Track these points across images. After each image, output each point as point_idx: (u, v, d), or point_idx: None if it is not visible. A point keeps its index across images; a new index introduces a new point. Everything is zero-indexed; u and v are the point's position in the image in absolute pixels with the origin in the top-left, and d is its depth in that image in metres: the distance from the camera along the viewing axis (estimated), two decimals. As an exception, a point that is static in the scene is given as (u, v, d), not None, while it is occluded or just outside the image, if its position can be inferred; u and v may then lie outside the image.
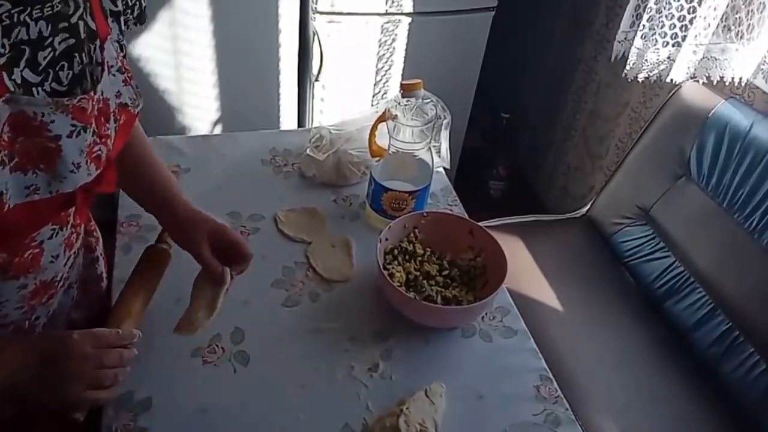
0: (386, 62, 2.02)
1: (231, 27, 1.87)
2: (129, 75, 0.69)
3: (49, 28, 0.55)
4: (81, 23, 0.60)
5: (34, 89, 0.57)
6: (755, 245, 1.33)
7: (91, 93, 0.61)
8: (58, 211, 0.70)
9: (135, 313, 0.84)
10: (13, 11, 0.52)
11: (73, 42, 0.59)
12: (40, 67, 0.56)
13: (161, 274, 0.93)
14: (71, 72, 0.60)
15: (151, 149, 0.91)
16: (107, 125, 0.66)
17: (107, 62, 0.65)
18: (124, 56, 0.71)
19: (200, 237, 0.87)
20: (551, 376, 0.99)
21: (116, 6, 0.68)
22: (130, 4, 0.72)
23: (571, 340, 1.43)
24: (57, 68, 0.58)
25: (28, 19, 0.54)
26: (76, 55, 0.60)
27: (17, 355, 0.68)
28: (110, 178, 0.71)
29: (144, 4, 0.76)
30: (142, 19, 0.76)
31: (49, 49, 0.56)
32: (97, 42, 0.63)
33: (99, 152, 0.65)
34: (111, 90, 0.67)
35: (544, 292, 1.54)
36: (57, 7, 0.55)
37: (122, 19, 0.69)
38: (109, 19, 0.67)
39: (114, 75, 0.67)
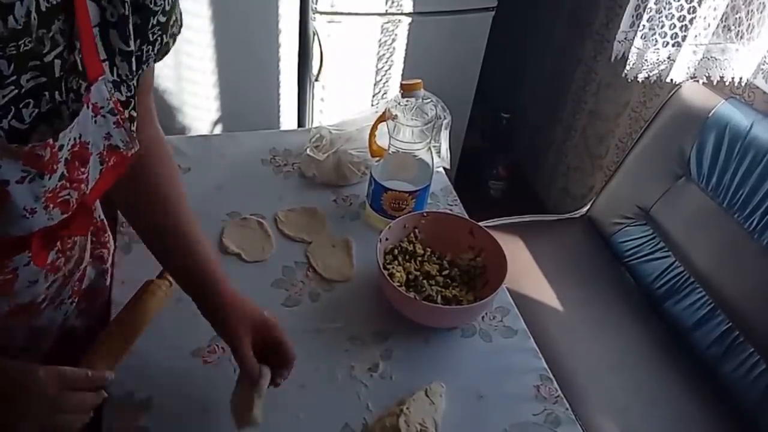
0: (386, 62, 2.02)
1: (231, 27, 1.87)
2: (122, 117, 0.66)
3: (12, 66, 0.54)
4: (57, 62, 0.58)
5: None
6: (755, 245, 1.33)
7: (50, 140, 0.58)
8: (10, 253, 0.66)
9: (115, 353, 0.81)
10: None
11: (44, 80, 0.58)
12: None
13: (154, 313, 0.89)
14: (37, 110, 0.58)
15: (195, 226, 0.84)
16: (82, 169, 0.64)
17: (96, 104, 0.62)
18: (131, 96, 0.68)
19: (243, 332, 0.79)
20: (551, 376, 0.99)
21: (128, 46, 0.64)
22: (151, 39, 0.68)
23: (571, 340, 1.43)
24: (21, 105, 0.57)
25: None
26: (46, 93, 0.58)
27: None
28: (81, 222, 0.69)
29: (167, 40, 0.71)
30: (161, 56, 0.72)
31: (12, 86, 0.55)
32: (81, 82, 0.61)
33: (67, 197, 0.64)
34: (97, 132, 0.64)
35: (544, 292, 1.54)
36: (27, 46, 0.54)
37: (134, 58, 0.66)
38: (117, 58, 0.64)
39: (104, 116, 0.64)
